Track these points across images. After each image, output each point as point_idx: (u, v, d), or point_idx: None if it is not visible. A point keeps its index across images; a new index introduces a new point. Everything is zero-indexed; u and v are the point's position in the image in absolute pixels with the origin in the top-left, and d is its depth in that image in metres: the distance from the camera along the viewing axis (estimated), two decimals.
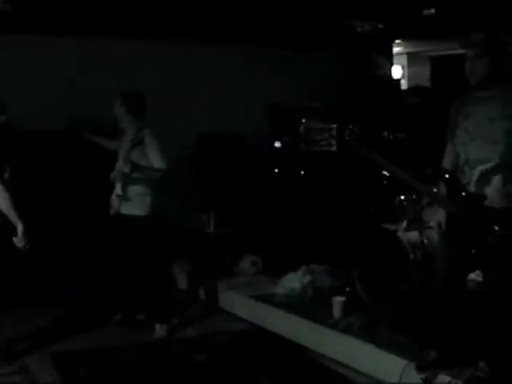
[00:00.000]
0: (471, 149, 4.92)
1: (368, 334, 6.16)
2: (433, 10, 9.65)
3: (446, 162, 5.19)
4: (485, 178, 4.84)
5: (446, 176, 5.00)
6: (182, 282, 8.53)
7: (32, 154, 8.04)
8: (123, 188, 6.84)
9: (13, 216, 5.58)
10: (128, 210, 6.90)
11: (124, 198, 6.86)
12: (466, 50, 4.94)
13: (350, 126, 5.26)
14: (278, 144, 8.50)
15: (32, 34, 8.40)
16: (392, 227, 6.86)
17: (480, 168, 4.85)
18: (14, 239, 5.56)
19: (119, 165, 6.92)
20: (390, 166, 5.19)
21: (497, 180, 4.82)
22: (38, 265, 7.53)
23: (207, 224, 8.54)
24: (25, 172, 7.73)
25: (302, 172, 7.44)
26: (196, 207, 8.80)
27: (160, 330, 7.01)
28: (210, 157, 9.07)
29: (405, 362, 5.47)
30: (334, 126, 8.32)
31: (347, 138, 5.29)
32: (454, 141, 5.07)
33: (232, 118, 9.11)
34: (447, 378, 5.09)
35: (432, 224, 5.82)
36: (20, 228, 5.56)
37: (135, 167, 6.68)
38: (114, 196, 6.95)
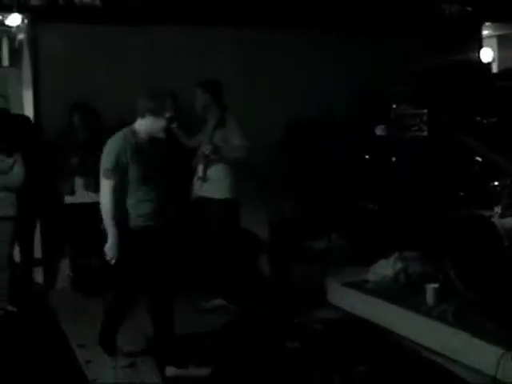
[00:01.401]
0: None
1: (462, 322, 6.10)
2: None
3: None
4: None
5: None
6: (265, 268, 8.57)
7: None
8: (204, 171, 6.92)
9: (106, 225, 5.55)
10: (208, 192, 6.97)
11: (204, 180, 6.93)
12: None
13: (421, 111, 5.16)
14: (380, 131, 8.32)
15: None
16: (486, 213, 6.74)
17: None
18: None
19: (202, 149, 7.00)
20: (484, 150, 5.07)
21: None
22: None
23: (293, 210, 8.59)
24: None
25: (394, 158, 7.36)
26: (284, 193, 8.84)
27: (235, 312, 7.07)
28: (299, 143, 9.08)
29: (501, 351, 5.39)
30: (425, 111, 8.22)
31: (441, 121, 5.19)
32: None
33: (321, 105, 9.08)
34: None
35: None
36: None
37: (216, 149, 6.78)
38: (195, 179, 7.04)
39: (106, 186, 5.50)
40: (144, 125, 5.52)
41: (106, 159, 5.49)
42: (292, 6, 8.96)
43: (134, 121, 5.61)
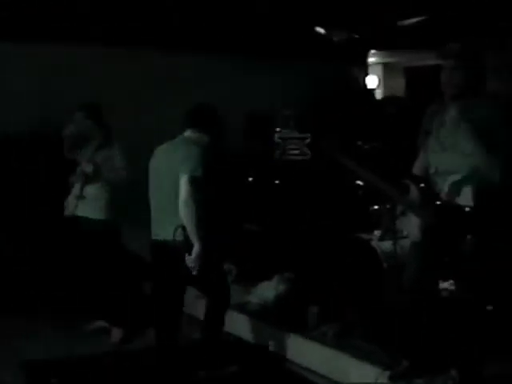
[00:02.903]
0: (442, 159, 4.92)
1: (342, 343, 6.18)
2: (407, 21, 9.75)
3: (417, 169, 5.19)
4: (455, 189, 4.80)
5: (421, 184, 5.00)
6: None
7: None
8: (82, 189, 6.90)
9: (190, 233, 5.59)
10: (83, 211, 6.93)
11: (81, 198, 6.89)
12: (443, 61, 4.92)
13: (327, 136, 5.28)
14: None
15: None
16: (366, 236, 6.88)
17: (450, 179, 4.82)
18: (187, 258, 5.59)
19: (81, 166, 6.97)
20: (366, 173, 5.16)
21: (467, 191, 4.77)
22: None
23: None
24: None
25: (277, 181, 7.45)
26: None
27: (116, 334, 7.02)
28: None
29: (378, 370, 5.48)
30: (309, 135, 8.36)
31: (323, 145, 5.28)
32: (426, 149, 5.05)
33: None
34: None
35: (406, 233, 5.85)
36: (196, 247, 5.58)
37: (97, 168, 6.81)
38: (70, 198, 6.99)
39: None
40: None
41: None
42: (184, 28, 8.98)
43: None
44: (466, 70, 4.82)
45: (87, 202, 6.91)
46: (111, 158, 6.89)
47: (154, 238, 5.89)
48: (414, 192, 5.05)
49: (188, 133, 5.92)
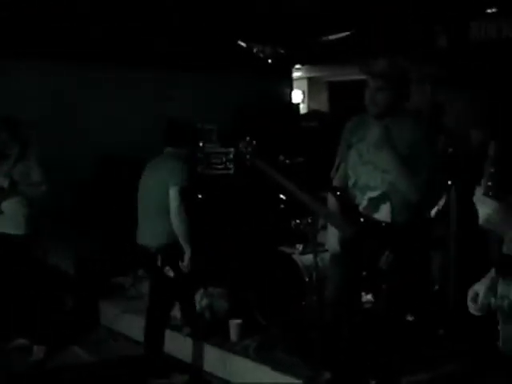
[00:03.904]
0: (361, 173, 4.90)
1: (264, 357, 6.21)
2: (332, 37, 9.86)
3: (336, 181, 5.15)
4: (373, 204, 4.82)
5: (340, 196, 5.02)
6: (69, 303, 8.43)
7: None
8: None
9: (183, 240, 6.07)
10: (2, 227, 6.84)
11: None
12: (367, 79, 4.83)
13: (247, 138, 5.24)
14: None
15: None
16: (288, 250, 6.94)
17: (369, 194, 4.84)
18: (181, 265, 6.07)
19: (4, 182, 6.87)
20: (285, 181, 5.12)
21: (385, 208, 4.79)
22: None
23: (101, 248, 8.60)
24: None
25: (199, 195, 7.47)
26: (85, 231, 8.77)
27: (38, 351, 6.92)
28: (105, 181, 9.04)
29: (300, 383, 5.53)
30: (232, 149, 8.40)
31: (243, 150, 5.25)
32: (346, 161, 5.02)
33: (129, 141, 9.08)
34: None
35: (326, 246, 5.89)
36: (187, 253, 6.07)
37: (13, 183, 6.71)
38: None
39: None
40: None
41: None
42: (110, 39, 8.93)
43: None
44: (392, 90, 4.75)
45: (5, 218, 6.80)
46: (28, 172, 6.78)
47: (139, 242, 6.37)
48: (332, 203, 5.04)
49: (169, 149, 6.34)
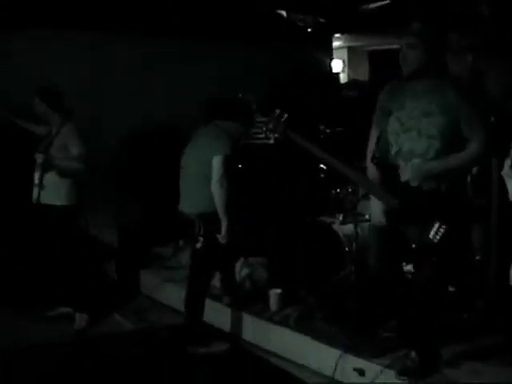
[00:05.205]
0: (405, 140, 4.85)
1: (304, 326, 6.23)
2: (372, 5, 9.77)
3: (371, 148, 5.07)
4: (419, 171, 4.76)
5: (380, 163, 4.94)
6: (111, 272, 8.56)
7: None
8: (41, 177, 6.85)
9: (221, 210, 6.11)
10: (45, 199, 6.90)
11: (41, 187, 6.86)
12: (400, 40, 4.83)
13: (277, 111, 5.16)
14: None
15: None
16: (328, 220, 6.93)
17: (415, 161, 4.79)
18: (218, 236, 6.14)
19: (37, 155, 6.93)
20: (322, 153, 5.05)
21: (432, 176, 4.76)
22: None
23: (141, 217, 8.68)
24: None
25: (240, 165, 7.46)
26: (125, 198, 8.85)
27: (80, 320, 6.99)
28: (142, 152, 9.11)
29: (339, 352, 5.54)
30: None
31: (274, 122, 5.16)
32: (386, 128, 4.95)
33: (168, 113, 9.12)
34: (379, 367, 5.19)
35: (367, 216, 5.86)
36: (224, 225, 6.11)
37: (48, 158, 6.77)
38: (34, 186, 6.97)
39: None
40: None
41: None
42: (152, 11, 8.93)
43: None
44: (423, 49, 4.72)
45: (47, 190, 6.86)
46: (66, 145, 6.82)
47: (180, 209, 6.42)
48: (373, 173, 4.98)
49: (215, 121, 6.42)
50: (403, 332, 5.37)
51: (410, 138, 4.84)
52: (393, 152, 4.95)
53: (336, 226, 6.75)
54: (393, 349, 5.40)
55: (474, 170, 5.93)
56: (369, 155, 5.07)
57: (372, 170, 5.01)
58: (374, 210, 5.09)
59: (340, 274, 6.52)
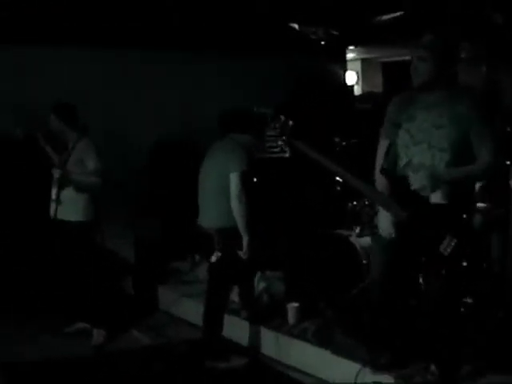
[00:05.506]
0: (415, 152, 4.83)
1: (323, 340, 6.20)
2: (385, 17, 9.76)
3: (380, 160, 5.02)
4: (430, 183, 4.75)
5: (389, 175, 4.91)
6: (128, 287, 8.58)
7: None
8: (58, 193, 6.87)
9: (242, 226, 6.14)
10: (62, 214, 6.91)
11: (58, 202, 6.88)
12: (411, 52, 4.85)
13: (282, 118, 5.15)
14: None
15: None
16: (345, 232, 6.91)
17: (424, 173, 4.76)
18: (240, 252, 6.18)
19: (54, 170, 6.95)
20: (328, 161, 5.00)
21: (442, 187, 4.74)
22: None
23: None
24: None
25: (255, 179, 7.46)
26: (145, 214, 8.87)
27: (98, 336, 6.99)
28: (162, 166, 9.12)
29: (358, 366, 5.51)
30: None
31: (278, 130, 5.14)
32: (395, 140, 4.93)
33: (186, 127, 9.14)
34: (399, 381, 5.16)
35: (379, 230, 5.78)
36: (245, 240, 6.14)
37: (65, 173, 6.81)
38: (51, 202, 7.01)
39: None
40: None
41: None
42: (163, 23, 8.95)
43: None
44: (434, 60, 4.71)
45: (64, 206, 6.89)
46: (82, 159, 6.84)
47: (198, 223, 6.44)
48: (382, 185, 4.97)
49: (231, 135, 6.46)
50: (421, 345, 5.34)
51: (421, 150, 4.83)
52: (402, 164, 4.93)
53: (353, 239, 6.74)
54: (412, 362, 5.37)
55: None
56: (377, 167, 5.05)
57: (381, 182, 5.00)
58: (383, 222, 5.06)
59: (358, 287, 6.48)
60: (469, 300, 5.96)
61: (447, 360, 5.06)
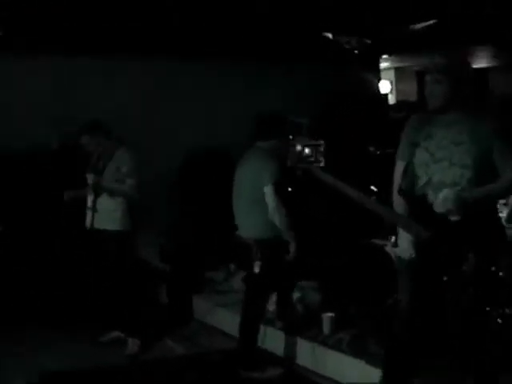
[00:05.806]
0: (435, 171, 4.74)
1: (358, 350, 6.18)
2: (418, 25, 9.73)
3: (397, 181, 4.94)
4: (456, 208, 4.59)
5: (408, 195, 4.86)
6: (163, 297, 8.59)
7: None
8: (94, 202, 6.90)
9: (287, 232, 6.23)
10: (98, 223, 6.95)
11: (94, 211, 6.91)
12: (426, 74, 4.79)
13: (312, 141, 5.13)
14: None
15: None
16: (380, 242, 6.87)
17: (446, 190, 4.64)
18: (287, 257, 6.23)
19: (88, 175, 7.03)
20: (354, 192, 4.96)
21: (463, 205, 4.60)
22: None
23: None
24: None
25: (290, 188, 7.45)
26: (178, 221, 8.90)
27: (132, 345, 7.01)
28: (196, 173, 9.15)
29: None
30: (322, 142, 8.32)
31: (309, 154, 5.14)
32: (413, 160, 4.81)
33: (219, 136, 9.17)
34: None
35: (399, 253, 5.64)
36: (292, 245, 6.23)
37: (99, 182, 6.88)
38: (87, 210, 7.05)
39: None
40: None
41: None
42: (193, 33, 8.97)
43: None
44: (450, 83, 4.63)
45: (101, 215, 6.92)
46: (119, 169, 6.89)
47: (237, 233, 6.50)
48: (400, 206, 4.89)
49: (259, 143, 6.43)
50: (460, 359, 5.27)
51: (441, 168, 4.73)
52: (422, 183, 4.81)
53: (388, 249, 6.69)
54: (447, 375, 5.32)
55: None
56: (395, 189, 4.99)
57: (399, 203, 4.92)
58: (403, 243, 4.94)
59: (392, 297, 6.44)
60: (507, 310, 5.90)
61: (484, 375, 4.99)
